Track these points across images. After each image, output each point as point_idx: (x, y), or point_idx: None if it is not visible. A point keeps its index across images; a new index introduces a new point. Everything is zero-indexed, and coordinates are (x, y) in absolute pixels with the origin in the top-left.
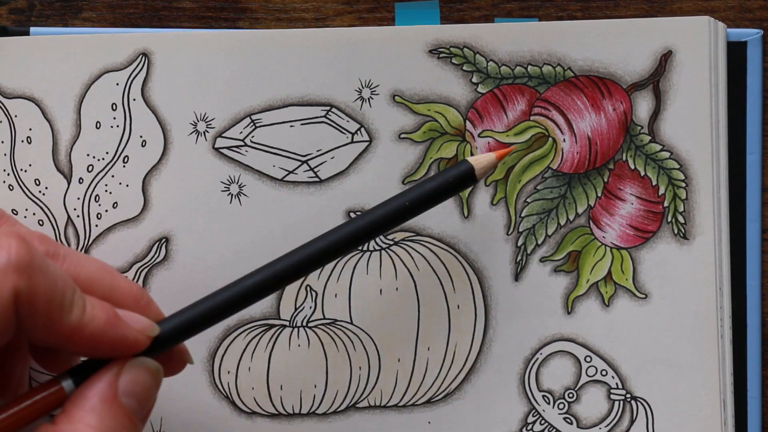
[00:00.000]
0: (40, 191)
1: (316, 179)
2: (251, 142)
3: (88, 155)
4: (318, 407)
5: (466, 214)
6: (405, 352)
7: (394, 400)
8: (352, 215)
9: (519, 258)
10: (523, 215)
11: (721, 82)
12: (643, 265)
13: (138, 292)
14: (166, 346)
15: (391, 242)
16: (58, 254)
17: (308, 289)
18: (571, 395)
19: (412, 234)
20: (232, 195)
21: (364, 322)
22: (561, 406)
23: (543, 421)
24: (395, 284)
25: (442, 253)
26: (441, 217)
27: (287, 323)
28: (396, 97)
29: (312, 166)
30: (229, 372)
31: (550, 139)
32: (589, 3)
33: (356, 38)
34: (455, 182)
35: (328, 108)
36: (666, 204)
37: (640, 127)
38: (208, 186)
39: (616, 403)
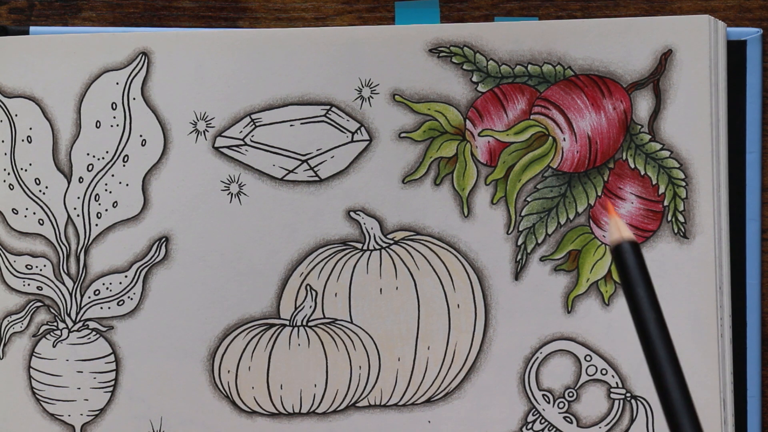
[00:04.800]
0: (40, 190)
1: (316, 178)
2: (251, 141)
3: (88, 154)
4: (318, 406)
5: (466, 214)
6: (405, 351)
7: (394, 400)
8: (353, 215)
9: (519, 257)
10: (523, 214)
11: (721, 81)
12: None
13: None
14: None
15: (391, 241)
16: None
17: (308, 288)
18: (571, 394)
19: (412, 233)
20: (232, 194)
21: (364, 322)
22: (561, 405)
23: (543, 420)
24: (395, 283)
25: (442, 252)
26: (441, 216)
27: (287, 322)
28: (396, 96)
29: (312, 166)
30: (229, 371)
31: (550, 138)
32: (588, 3)
33: (356, 37)
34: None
35: (328, 107)
36: (666, 203)
37: (640, 126)
38: (208, 185)
39: (616, 402)
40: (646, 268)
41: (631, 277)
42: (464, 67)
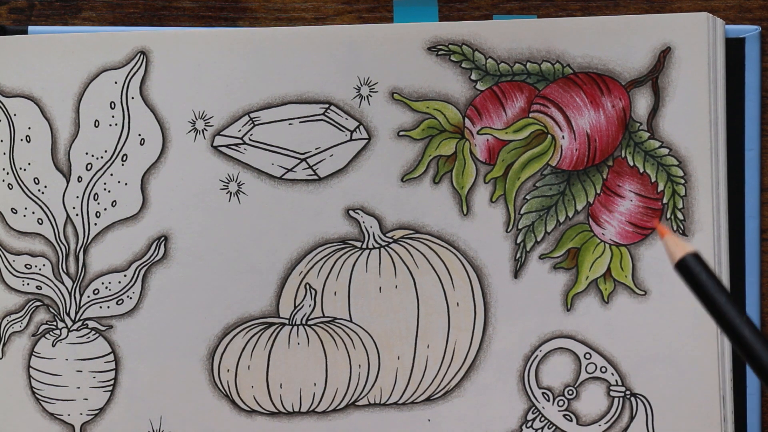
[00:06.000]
0: (39, 190)
1: (315, 177)
2: (250, 140)
3: (86, 154)
4: (318, 405)
5: (465, 212)
6: (404, 349)
7: (394, 398)
8: (352, 213)
9: (518, 255)
10: (522, 212)
11: (720, 78)
12: (643, 261)
13: None
14: None
15: (391, 240)
16: None
17: (307, 287)
18: (570, 392)
19: (412, 231)
20: (230, 193)
21: (363, 320)
22: (560, 403)
23: (543, 419)
24: (394, 282)
25: (442, 250)
26: (440, 215)
27: (287, 321)
28: (395, 95)
29: (311, 164)
30: (228, 370)
31: (549, 136)
32: (588, 2)
33: (355, 36)
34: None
35: (326, 106)
36: (665, 200)
37: (639, 124)
38: (207, 184)
39: (616, 399)
40: (716, 275)
41: (707, 288)
42: (463, 65)
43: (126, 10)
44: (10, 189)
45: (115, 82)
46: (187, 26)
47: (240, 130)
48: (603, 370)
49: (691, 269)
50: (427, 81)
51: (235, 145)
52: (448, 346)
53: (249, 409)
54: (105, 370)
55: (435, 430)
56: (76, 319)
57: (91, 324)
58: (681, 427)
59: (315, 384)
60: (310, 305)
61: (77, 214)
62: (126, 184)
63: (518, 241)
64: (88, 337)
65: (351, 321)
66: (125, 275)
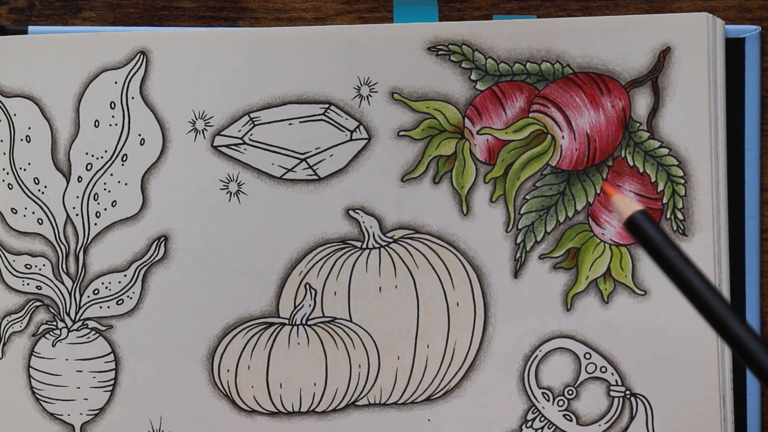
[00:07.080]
0: (39, 190)
1: (315, 177)
2: (250, 140)
3: (86, 154)
4: (318, 405)
5: (465, 212)
6: (404, 349)
7: (394, 398)
8: (352, 213)
9: (518, 255)
10: (522, 212)
11: (720, 78)
12: (643, 261)
13: None
14: None
15: (390, 240)
16: None
17: (307, 287)
18: (570, 392)
19: (412, 231)
20: (230, 193)
21: (363, 320)
22: (560, 403)
23: (542, 419)
24: (394, 282)
25: (442, 250)
26: (440, 215)
27: (287, 321)
28: (395, 95)
29: (311, 164)
30: (228, 370)
31: (549, 136)
32: (588, 2)
33: (355, 36)
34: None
35: (326, 106)
36: (665, 200)
37: (638, 124)
38: (207, 184)
39: (616, 399)
40: (665, 232)
41: (657, 243)
42: (463, 65)
43: (126, 10)
44: (10, 189)
45: (115, 82)
46: (187, 26)
47: (240, 130)
48: (603, 370)
49: (640, 226)
50: (427, 81)
51: (235, 145)
52: (448, 346)
53: (249, 409)
54: (105, 370)
55: (435, 430)
56: (76, 319)
57: (91, 324)
58: (681, 427)
59: (315, 384)
60: (310, 305)
61: (77, 214)
62: (126, 184)
63: (518, 241)
64: (88, 337)
65: (351, 321)
66: (125, 275)
